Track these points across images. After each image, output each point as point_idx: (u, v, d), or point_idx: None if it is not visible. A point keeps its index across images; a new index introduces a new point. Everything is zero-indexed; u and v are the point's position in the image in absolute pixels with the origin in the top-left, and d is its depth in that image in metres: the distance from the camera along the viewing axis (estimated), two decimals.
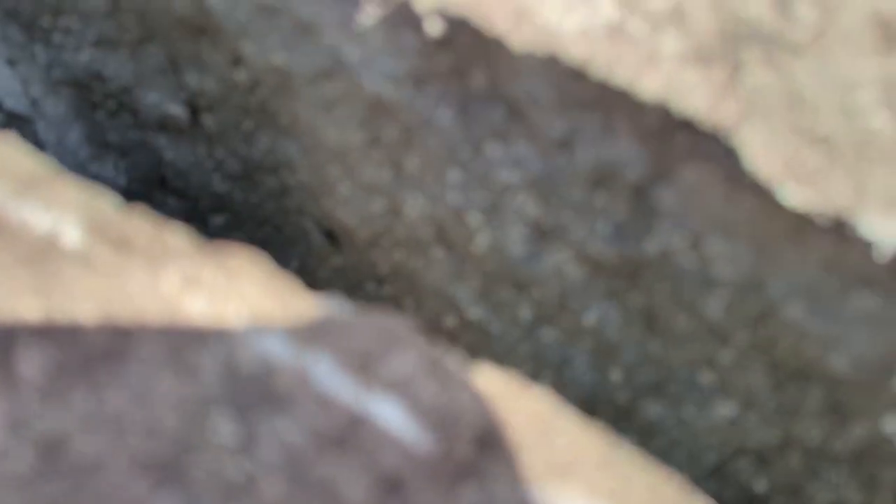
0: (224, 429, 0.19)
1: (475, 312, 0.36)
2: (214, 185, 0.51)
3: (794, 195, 0.22)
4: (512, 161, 0.28)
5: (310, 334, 0.20)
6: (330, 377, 0.20)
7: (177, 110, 0.46)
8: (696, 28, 0.25)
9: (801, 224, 0.22)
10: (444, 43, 0.25)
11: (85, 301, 0.20)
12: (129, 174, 0.56)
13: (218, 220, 0.54)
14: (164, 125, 0.49)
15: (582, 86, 0.25)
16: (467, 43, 0.25)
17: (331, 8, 0.29)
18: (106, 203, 0.22)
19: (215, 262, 0.21)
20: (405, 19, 0.27)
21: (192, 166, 0.53)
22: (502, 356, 0.36)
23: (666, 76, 0.24)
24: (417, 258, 0.37)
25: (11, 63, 0.53)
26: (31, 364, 0.19)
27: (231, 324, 0.20)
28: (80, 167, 0.54)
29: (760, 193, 0.22)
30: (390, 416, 0.20)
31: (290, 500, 0.19)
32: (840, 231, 0.21)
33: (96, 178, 0.54)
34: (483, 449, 0.20)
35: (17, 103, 0.52)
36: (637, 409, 0.34)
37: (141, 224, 0.22)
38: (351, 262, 0.46)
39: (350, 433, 0.20)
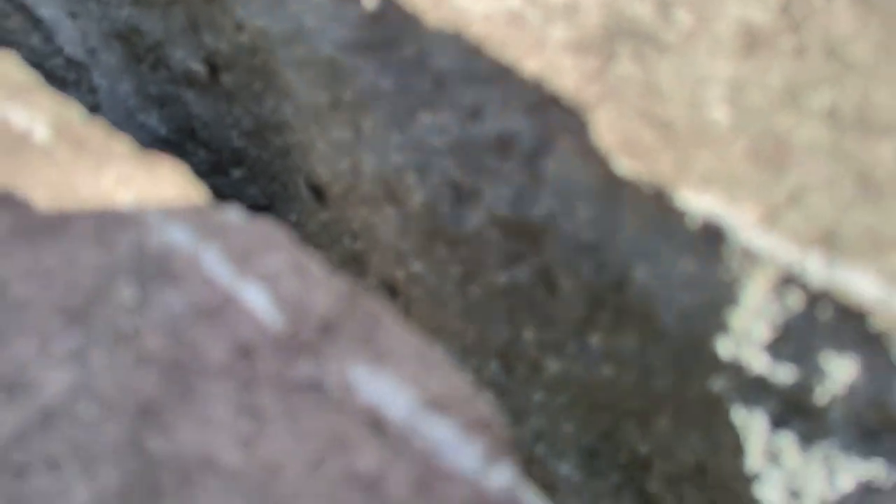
0: (125, 292, 0.25)
1: (417, 267, 0.40)
2: (233, 141, 0.57)
3: (625, 166, 0.25)
4: (438, 128, 0.33)
5: (206, 229, 0.25)
6: (215, 264, 0.25)
7: (198, 68, 0.52)
8: (584, 21, 0.29)
9: (633, 192, 0.26)
10: (378, 17, 0.30)
11: (41, 184, 0.26)
12: (167, 125, 0.62)
13: (237, 173, 0.59)
14: (190, 81, 0.55)
15: (483, 61, 0.29)
16: (397, 18, 0.30)
17: None
18: (75, 112, 0.28)
19: (147, 167, 0.27)
20: None
21: (215, 121, 0.59)
22: (438, 310, 0.40)
23: (547, 59, 0.28)
24: (375, 214, 0.41)
25: (72, 15, 0.60)
26: None
27: (148, 215, 0.26)
28: (129, 115, 0.61)
29: (604, 164, 0.26)
30: (255, 299, 0.25)
31: (165, 350, 0.24)
32: (661, 201, 0.25)
33: (143, 126, 0.61)
34: (325, 335, 0.24)
35: (76, 52, 0.60)
36: (544, 366, 0.38)
37: (97, 131, 0.28)
38: (332, 218, 0.51)
39: (221, 309, 0.25)
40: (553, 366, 0.37)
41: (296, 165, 0.51)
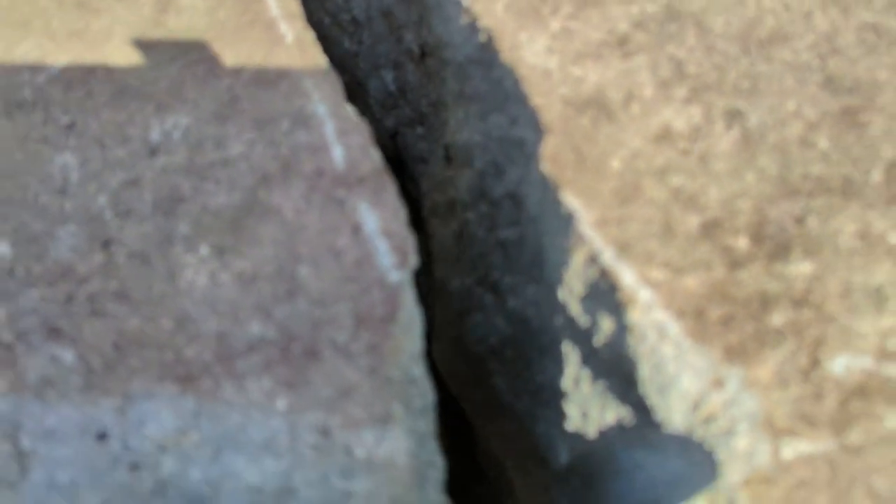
0: (285, 126, 0.48)
1: (470, 215, 0.61)
2: (423, 107, 0.81)
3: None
4: (497, 125, 0.53)
5: (342, 118, 0.48)
6: (330, 132, 0.48)
7: (415, 49, 0.76)
8: None
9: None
10: (485, 46, 0.51)
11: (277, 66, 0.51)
12: (394, 84, 0.86)
13: (420, 130, 0.83)
14: (410, 57, 0.79)
15: (524, 90, 0.49)
16: (492, 50, 0.50)
17: None
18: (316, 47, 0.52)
19: (332, 83, 0.50)
20: None
21: (417, 89, 0.83)
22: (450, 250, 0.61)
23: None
24: (461, 173, 0.63)
25: None
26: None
27: (315, 101, 0.49)
28: (376, 69, 0.87)
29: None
30: (339, 155, 0.47)
31: (287, 159, 0.47)
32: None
33: (382, 79, 0.86)
34: (359, 184, 0.46)
35: (360, 15, 0.86)
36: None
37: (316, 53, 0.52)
38: (447, 176, 0.72)
39: (321, 149, 0.47)
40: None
41: (441, 134, 0.73)
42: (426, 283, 0.69)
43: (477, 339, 0.62)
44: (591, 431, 0.47)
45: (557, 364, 0.50)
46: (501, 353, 0.60)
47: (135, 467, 0.40)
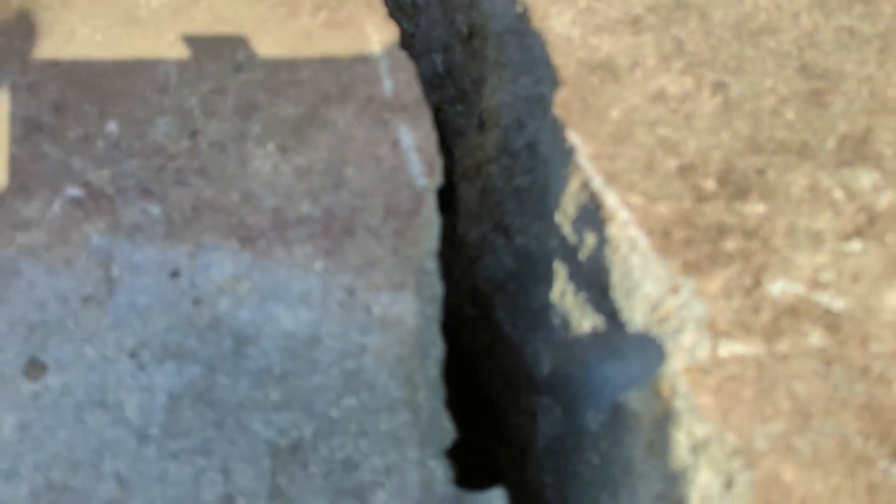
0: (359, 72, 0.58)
1: (492, 169, 0.70)
2: (466, 85, 0.90)
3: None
4: (524, 87, 0.62)
5: (397, 61, 0.58)
6: (385, 72, 0.58)
7: (464, 30, 0.86)
8: None
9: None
10: (521, 16, 0.60)
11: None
12: (443, 65, 0.97)
13: (460, 108, 0.92)
14: (459, 38, 0.88)
15: (547, 53, 0.58)
16: (527, 19, 0.60)
17: None
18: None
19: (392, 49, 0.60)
20: None
21: (462, 68, 0.92)
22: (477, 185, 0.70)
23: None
24: (490, 135, 0.72)
25: None
26: None
27: (376, 57, 0.59)
28: (428, 51, 0.97)
29: None
30: (388, 87, 0.57)
31: (348, 86, 0.57)
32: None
33: (432, 60, 0.96)
34: (401, 110, 0.56)
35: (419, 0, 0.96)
36: None
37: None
38: (479, 142, 0.81)
39: (374, 82, 0.57)
40: None
41: (477, 106, 0.83)
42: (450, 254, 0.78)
43: (486, 278, 0.71)
44: (571, 339, 0.55)
45: (550, 288, 0.58)
46: (506, 287, 0.69)
47: (197, 302, 0.50)
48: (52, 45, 0.59)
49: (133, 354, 0.49)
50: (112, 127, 0.55)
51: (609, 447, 0.53)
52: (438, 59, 0.93)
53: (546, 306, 0.59)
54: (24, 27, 0.59)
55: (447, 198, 0.80)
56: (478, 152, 0.77)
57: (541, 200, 0.60)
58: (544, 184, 0.59)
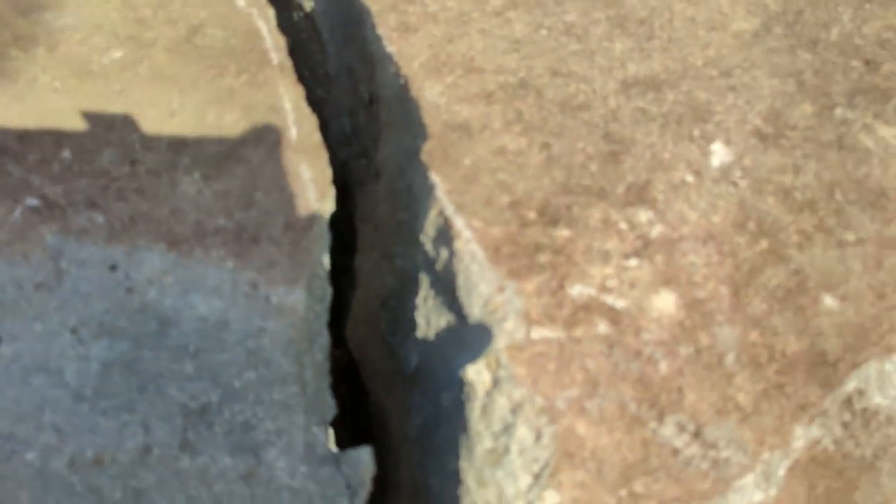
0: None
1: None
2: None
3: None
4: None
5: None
6: None
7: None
8: None
9: None
10: None
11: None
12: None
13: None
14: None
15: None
16: None
17: None
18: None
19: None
20: None
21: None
22: None
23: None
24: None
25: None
26: None
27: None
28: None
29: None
30: None
31: None
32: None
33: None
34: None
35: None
36: None
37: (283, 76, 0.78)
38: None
39: None
40: None
41: (374, 159, 0.99)
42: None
43: (374, 297, 0.86)
44: (431, 337, 0.70)
45: (416, 296, 0.73)
46: (388, 303, 0.83)
47: (130, 290, 0.62)
48: (16, 89, 0.72)
49: (74, 331, 0.61)
50: (66, 153, 0.67)
51: (456, 418, 0.67)
52: (346, 121, 1.10)
53: (414, 312, 0.73)
54: None
55: (352, 241, 0.95)
56: (372, 197, 0.93)
57: (413, 228, 0.75)
58: (415, 215, 0.74)
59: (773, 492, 0.71)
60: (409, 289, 0.77)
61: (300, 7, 0.99)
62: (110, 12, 0.80)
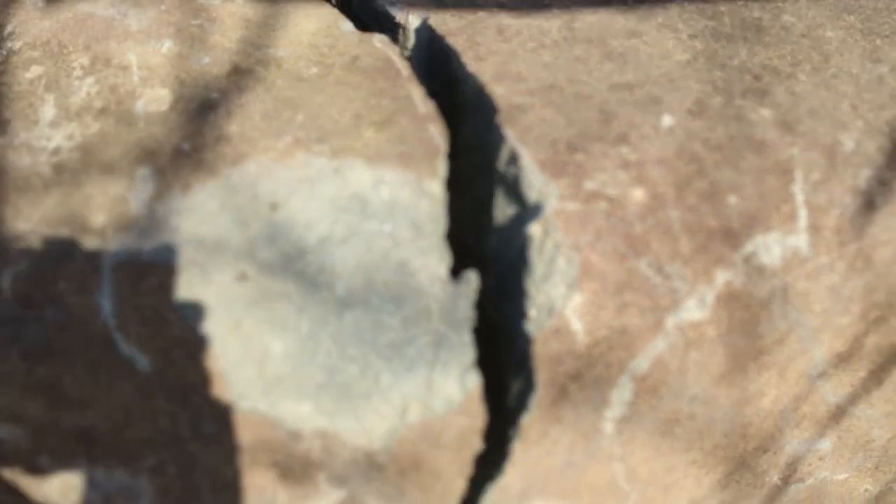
0: None
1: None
2: None
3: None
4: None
5: None
6: None
7: None
8: None
9: None
10: None
11: None
12: None
13: None
14: None
15: None
16: None
17: None
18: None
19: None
20: None
21: None
22: None
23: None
24: None
25: None
26: None
27: None
28: None
29: None
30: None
31: None
32: None
33: None
34: None
35: None
36: None
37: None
38: None
39: None
40: None
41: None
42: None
43: (468, 200, 1.37)
44: (503, 220, 1.20)
45: (494, 198, 1.24)
46: (476, 203, 1.34)
47: (345, 182, 1.13)
48: (264, 87, 1.25)
49: None
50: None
51: (522, 259, 1.17)
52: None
53: (493, 210, 1.23)
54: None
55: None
56: (461, 145, 1.45)
57: (489, 163, 1.26)
58: (492, 154, 1.26)
59: (707, 313, 1.21)
60: (487, 197, 1.27)
61: (405, 48, 1.54)
62: (304, 48, 1.35)
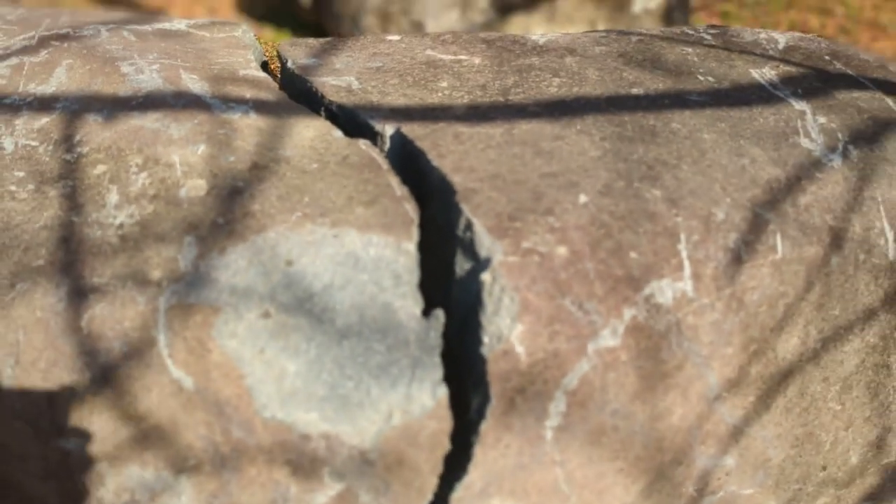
0: None
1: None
2: None
3: None
4: None
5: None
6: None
7: None
8: None
9: None
10: None
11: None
12: None
13: None
14: None
15: None
16: None
17: None
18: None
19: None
20: None
21: None
22: None
23: None
24: None
25: None
26: None
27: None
28: None
29: None
30: None
31: None
32: None
33: None
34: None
35: None
36: None
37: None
38: None
39: None
40: None
41: None
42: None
43: (434, 260, 1.74)
44: (461, 272, 1.56)
45: (455, 257, 1.61)
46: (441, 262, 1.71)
47: (337, 237, 1.50)
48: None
49: None
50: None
51: (476, 299, 1.53)
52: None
53: (454, 266, 1.61)
54: None
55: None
56: (429, 221, 1.85)
57: (451, 229, 1.65)
58: (453, 222, 1.65)
59: (619, 340, 1.59)
60: (450, 255, 1.64)
61: (383, 149, 1.95)
62: (306, 150, 1.75)
